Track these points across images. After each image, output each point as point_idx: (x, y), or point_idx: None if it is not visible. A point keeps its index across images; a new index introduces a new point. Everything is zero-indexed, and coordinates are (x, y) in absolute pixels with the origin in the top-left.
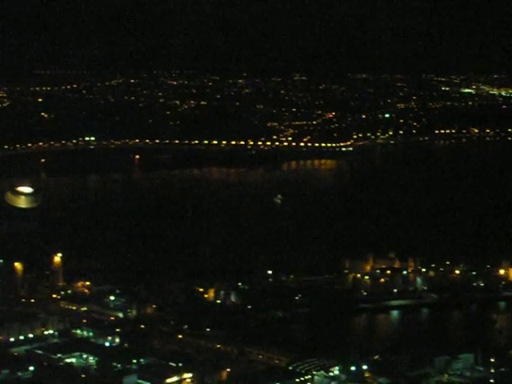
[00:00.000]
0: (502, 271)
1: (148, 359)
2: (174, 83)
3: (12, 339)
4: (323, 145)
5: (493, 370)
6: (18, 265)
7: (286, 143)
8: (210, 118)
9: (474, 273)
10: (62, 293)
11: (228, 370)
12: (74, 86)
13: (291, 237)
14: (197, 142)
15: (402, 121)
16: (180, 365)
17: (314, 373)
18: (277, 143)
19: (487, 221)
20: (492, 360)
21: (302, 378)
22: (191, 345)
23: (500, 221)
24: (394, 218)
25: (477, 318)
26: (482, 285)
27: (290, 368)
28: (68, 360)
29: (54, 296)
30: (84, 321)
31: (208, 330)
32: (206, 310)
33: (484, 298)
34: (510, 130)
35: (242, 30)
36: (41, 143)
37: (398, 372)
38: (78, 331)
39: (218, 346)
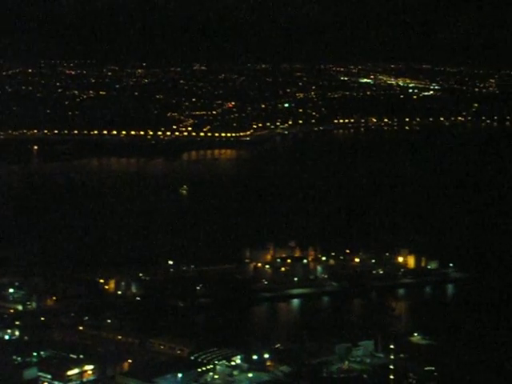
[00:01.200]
0: (400, 259)
1: (48, 352)
2: (73, 73)
3: None
4: (223, 135)
5: (392, 357)
6: None
7: (186, 133)
8: (110, 108)
9: (373, 261)
10: None
11: (130, 360)
12: None
13: (192, 227)
14: (96, 132)
15: (301, 110)
16: (81, 357)
17: (216, 362)
18: (177, 133)
19: (384, 210)
20: (391, 346)
21: (204, 368)
22: (92, 336)
23: (396, 210)
24: (294, 208)
25: (376, 305)
26: (381, 272)
27: (192, 358)
28: None
29: None
30: None
31: (109, 321)
32: (106, 301)
33: (383, 285)
34: (407, 119)
35: (138, 20)
36: None
37: (299, 360)
38: None
39: (120, 337)
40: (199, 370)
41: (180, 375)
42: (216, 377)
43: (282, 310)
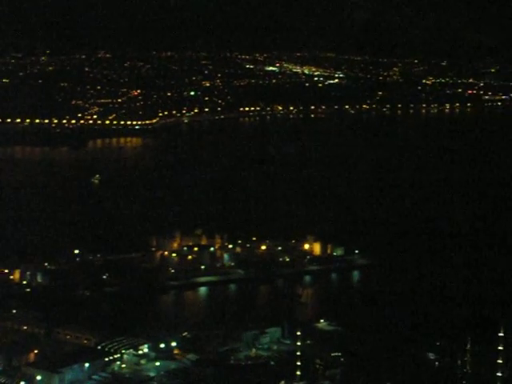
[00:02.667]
0: (306, 246)
1: None
2: None
3: None
4: (129, 123)
5: (299, 343)
6: None
7: (91, 121)
8: (13, 96)
9: (279, 248)
10: None
11: (36, 351)
12: None
13: (99, 216)
14: None
15: (207, 98)
16: None
17: (123, 351)
18: (82, 121)
19: (290, 197)
20: (298, 333)
21: (111, 357)
22: None
23: (302, 197)
24: (200, 196)
25: (283, 292)
26: (287, 260)
27: (99, 347)
28: None
29: None
30: None
31: (14, 311)
32: (11, 291)
33: (290, 272)
34: (312, 107)
35: (40, 7)
36: None
37: (206, 348)
38: None
39: (25, 327)
40: (106, 359)
41: (87, 365)
42: (123, 366)
43: (189, 299)
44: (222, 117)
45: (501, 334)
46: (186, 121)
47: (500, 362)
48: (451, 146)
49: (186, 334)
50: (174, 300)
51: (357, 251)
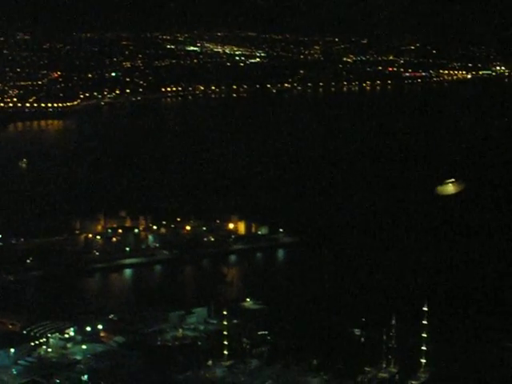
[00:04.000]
0: (231, 225)
1: None
2: None
3: None
4: (50, 105)
5: (226, 322)
6: None
7: (11, 104)
8: None
9: (204, 228)
10: None
11: None
12: None
13: (21, 199)
14: None
15: (128, 79)
16: None
17: (49, 335)
18: (1, 104)
19: (214, 177)
20: (225, 312)
21: (37, 342)
22: None
23: (225, 177)
24: (123, 177)
25: (208, 272)
26: (212, 239)
27: (24, 332)
28: None
29: None
30: None
31: None
32: None
33: (215, 252)
34: (234, 86)
35: None
36: None
37: (133, 330)
38: None
39: None
40: (32, 343)
41: (12, 350)
42: (49, 350)
43: (114, 281)
44: (144, 98)
45: (425, 309)
46: (107, 102)
47: (424, 336)
48: (372, 122)
49: (112, 316)
50: (100, 283)
51: (281, 229)
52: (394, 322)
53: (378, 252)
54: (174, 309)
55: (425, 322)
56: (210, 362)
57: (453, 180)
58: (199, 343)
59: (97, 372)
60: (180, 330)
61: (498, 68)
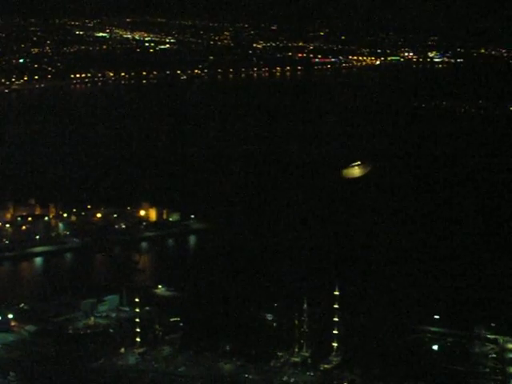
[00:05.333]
0: (142, 212)
1: None
2: None
3: None
4: None
5: (138, 310)
6: None
7: None
8: None
9: (115, 215)
10: None
11: None
12: None
13: None
14: None
15: (36, 66)
16: None
17: None
18: None
19: (125, 164)
20: (137, 300)
21: None
22: None
23: (137, 163)
24: (35, 165)
25: (120, 259)
26: (123, 227)
27: None
28: None
29: None
30: None
31: None
32: None
33: (126, 239)
34: (144, 72)
35: None
36: None
37: (44, 318)
38: None
39: None
40: None
41: None
42: None
43: (24, 269)
44: (53, 84)
45: (336, 293)
46: (15, 89)
47: (336, 319)
48: (282, 108)
49: (22, 305)
50: (9, 271)
51: (192, 216)
52: (305, 306)
53: (290, 236)
54: (86, 297)
55: (336, 306)
56: (122, 350)
57: (359, 162)
58: (111, 331)
59: (7, 361)
60: (92, 318)
61: (406, 54)
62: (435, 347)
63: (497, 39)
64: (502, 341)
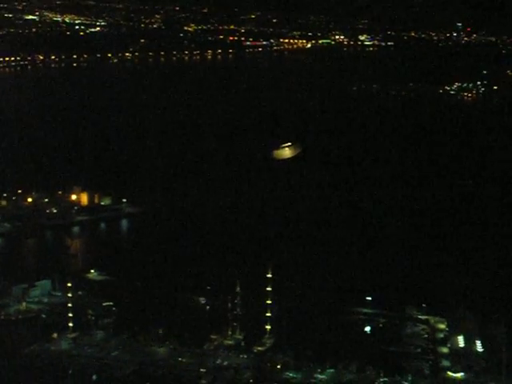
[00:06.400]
0: (73, 196)
1: None
2: None
3: None
4: None
5: (70, 294)
6: None
7: None
8: None
9: (46, 200)
10: None
11: None
12: None
13: None
14: None
15: None
16: None
17: None
18: None
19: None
20: (69, 284)
21: None
22: None
23: (67, 147)
24: None
25: (51, 244)
26: (54, 211)
27: None
28: None
29: None
30: None
31: None
32: None
33: (57, 224)
34: (74, 56)
35: None
36: None
37: None
38: None
39: None
40: None
41: None
42: None
43: None
44: None
45: (269, 275)
46: None
47: (269, 302)
48: (211, 91)
49: None
50: None
51: (124, 200)
52: (238, 289)
53: (221, 220)
54: (17, 282)
55: (269, 289)
56: (55, 335)
57: (289, 144)
58: (43, 316)
59: None
60: (23, 304)
61: (337, 37)
62: (367, 328)
63: (427, 22)
64: (432, 321)
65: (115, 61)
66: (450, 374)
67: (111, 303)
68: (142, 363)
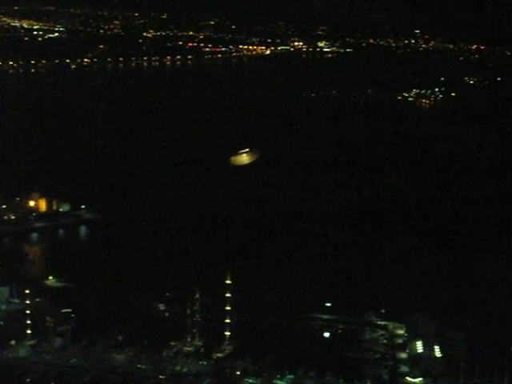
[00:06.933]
0: (32, 203)
1: None
2: None
3: None
4: None
5: (28, 301)
6: None
7: None
8: None
9: (4, 206)
10: None
11: None
12: None
13: None
14: None
15: None
16: None
17: None
18: None
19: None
20: (27, 291)
21: None
22: None
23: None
24: None
25: (10, 251)
26: (12, 217)
27: None
28: None
29: None
30: None
31: None
32: None
33: (16, 230)
34: (33, 61)
35: None
36: None
37: None
38: None
39: None
40: None
41: None
42: None
43: None
44: None
45: (228, 282)
46: None
47: (228, 308)
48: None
49: None
50: None
51: (83, 206)
52: (197, 296)
53: (181, 226)
54: None
55: (228, 295)
56: (12, 342)
57: (247, 150)
58: (1, 323)
59: None
60: None
61: (296, 43)
62: (327, 334)
63: (385, 30)
64: (391, 327)
65: (73, 67)
66: (408, 379)
67: (70, 310)
68: (101, 370)
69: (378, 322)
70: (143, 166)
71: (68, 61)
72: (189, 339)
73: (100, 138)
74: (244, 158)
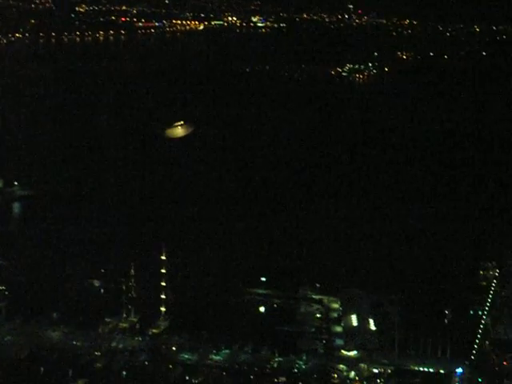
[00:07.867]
0: None
1: None
2: None
3: None
4: None
5: None
6: None
7: None
8: None
9: None
10: None
11: None
12: None
13: None
14: None
15: None
16: None
17: None
18: None
19: None
20: None
21: None
22: None
23: None
24: None
25: None
26: None
27: None
28: None
29: None
30: None
31: None
32: None
33: None
34: None
35: None
36: None
37: None
38: None
39: None
40: None
41: None
42: None
43: None
44: None
45: (163, 258)
46: None
47: (163, 284)
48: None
49: None
50: None
51: (16, 183)
52: (132, 271)
53: (115, 201)
54: None
55: (163, 271)
56: None
57: (182, 122)
58: None
59: None
60: None
61: (229, 19)
62: (262, 309)
63: (318, 4)
64: (326, 301)
65: (4, 42)
66: (343, 352)
67: (3, 287)
68: (36, 347)
69: (313, 296)
70: (78, 142)
71: None
72: (124, 315)
73: (33, 113)
74: (178, 131)
